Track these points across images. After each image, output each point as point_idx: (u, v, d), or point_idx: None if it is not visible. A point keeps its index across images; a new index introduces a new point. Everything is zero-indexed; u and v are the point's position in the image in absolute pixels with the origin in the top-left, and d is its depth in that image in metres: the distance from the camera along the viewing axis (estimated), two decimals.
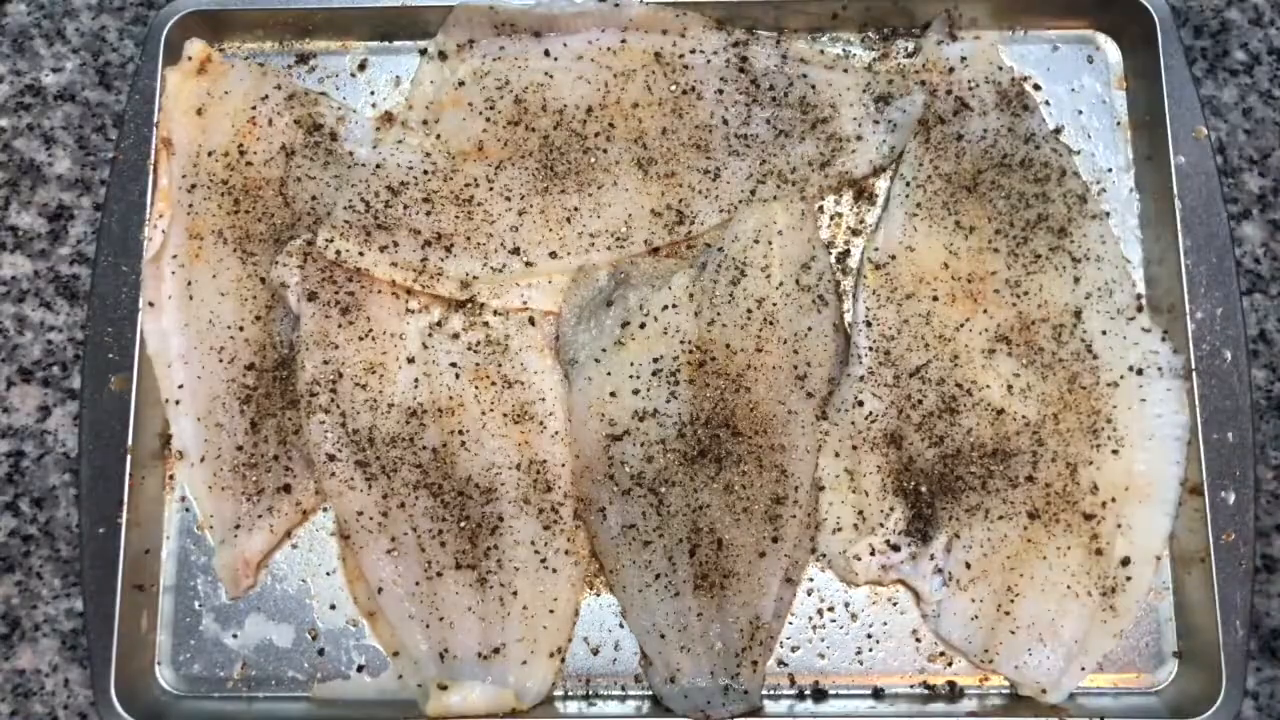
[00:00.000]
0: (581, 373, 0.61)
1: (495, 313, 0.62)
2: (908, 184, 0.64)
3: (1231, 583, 0.58)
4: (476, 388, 0.61)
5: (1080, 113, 0.66)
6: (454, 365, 0.62)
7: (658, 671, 0.58)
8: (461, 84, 0.65)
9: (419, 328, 0.62)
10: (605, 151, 0.64)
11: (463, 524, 0.60)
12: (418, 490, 0.60)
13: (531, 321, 0.62)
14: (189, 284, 0.63)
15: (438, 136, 0.65)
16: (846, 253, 0.64)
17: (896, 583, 0.60)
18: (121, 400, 0.61)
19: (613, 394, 0.60)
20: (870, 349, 0.61)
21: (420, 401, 0.61)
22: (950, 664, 0.59)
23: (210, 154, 0.64)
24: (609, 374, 0.61)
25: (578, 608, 0.60)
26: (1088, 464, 0.60)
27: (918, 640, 0.60)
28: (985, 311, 0.61)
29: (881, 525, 0.60)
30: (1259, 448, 0.61)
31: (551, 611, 0.59)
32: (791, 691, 0.59)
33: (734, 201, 0.63)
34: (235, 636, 0.61)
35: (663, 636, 0.58)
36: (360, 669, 0.60)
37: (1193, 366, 0.60)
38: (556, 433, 0.61)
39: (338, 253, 0.62)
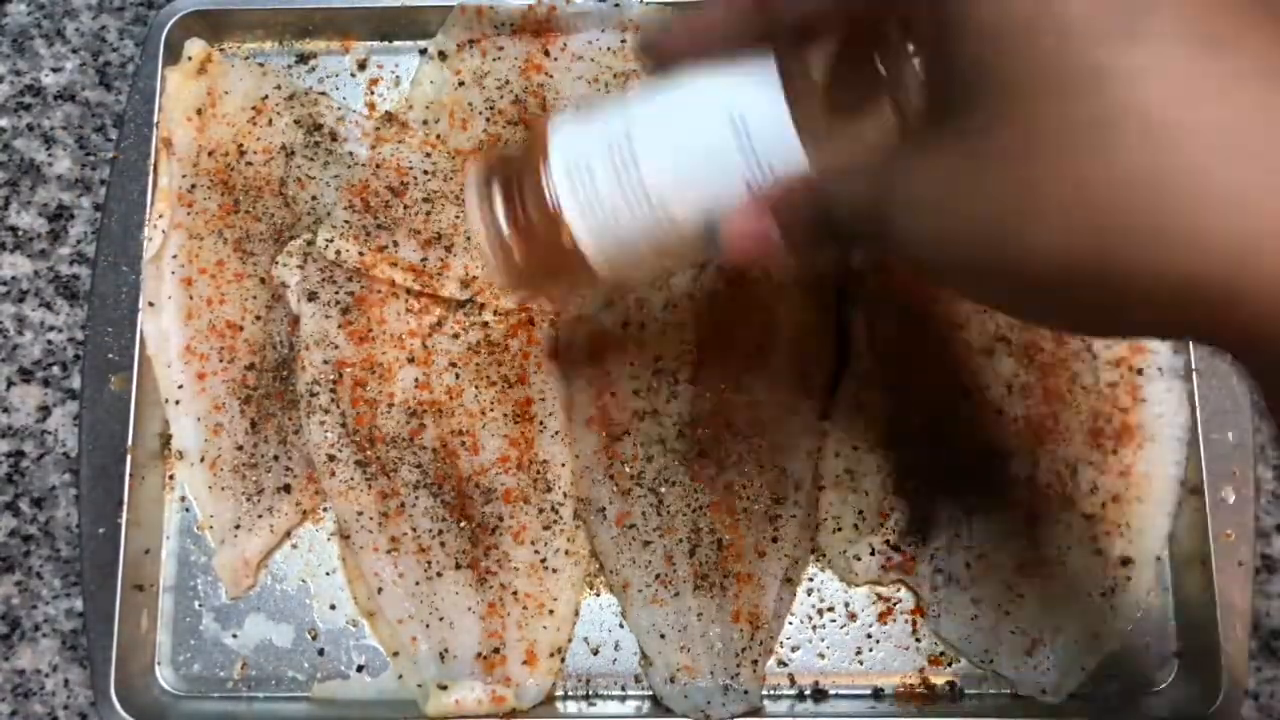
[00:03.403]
0: (581, 373, 0.61)
1: (495, 313, 0.62)
2: None
3: (1231, 583, 0.58)
4: (476, 388, 0.61)
5: None
6: (454, 365, 0.62)
7: (658, 671, 0.58)
8: (461, 84, 0.65)
9: (419, 328, 0.62)
10: None
11: (463, 524, 0.60)
12: (418, 490, 0.60)
13: (531, 321, 0.62)
14: (189, 284, 0.63)
15: (438, 136, 0.65)
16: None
17: (896, 583, 0.60)
18: (121, 400, 0.61)
19: (613, 394, 0.60)
20: (870, 349, 0.61)
21: (420, 401, 0.61)
22: (950, 664, 0.59)
23: (210, 154, 0.64)
24: (609, 374, 0.61)
25: (578, 608, 0.60)
26: (1087, 464, 0.60)
27: (918, 640, 0.60)
28: (985, 311, 0.61)
29: (881, 525, 0.60)
30: (1259, 448, 0.61)
31: (551, 611, 0.59)
32: (791, 691, 0.59)
33: None
34: (235, 636, 0.61)
35: (663, 636, 0.58)
36: (360, 669, 0.60)
37: (1193, 366, 0.60)
38: (556, 433, 0.61)
39: (338, 253, 0.62)
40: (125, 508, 0.60)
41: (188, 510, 0.62)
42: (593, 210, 0.41)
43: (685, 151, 0.39)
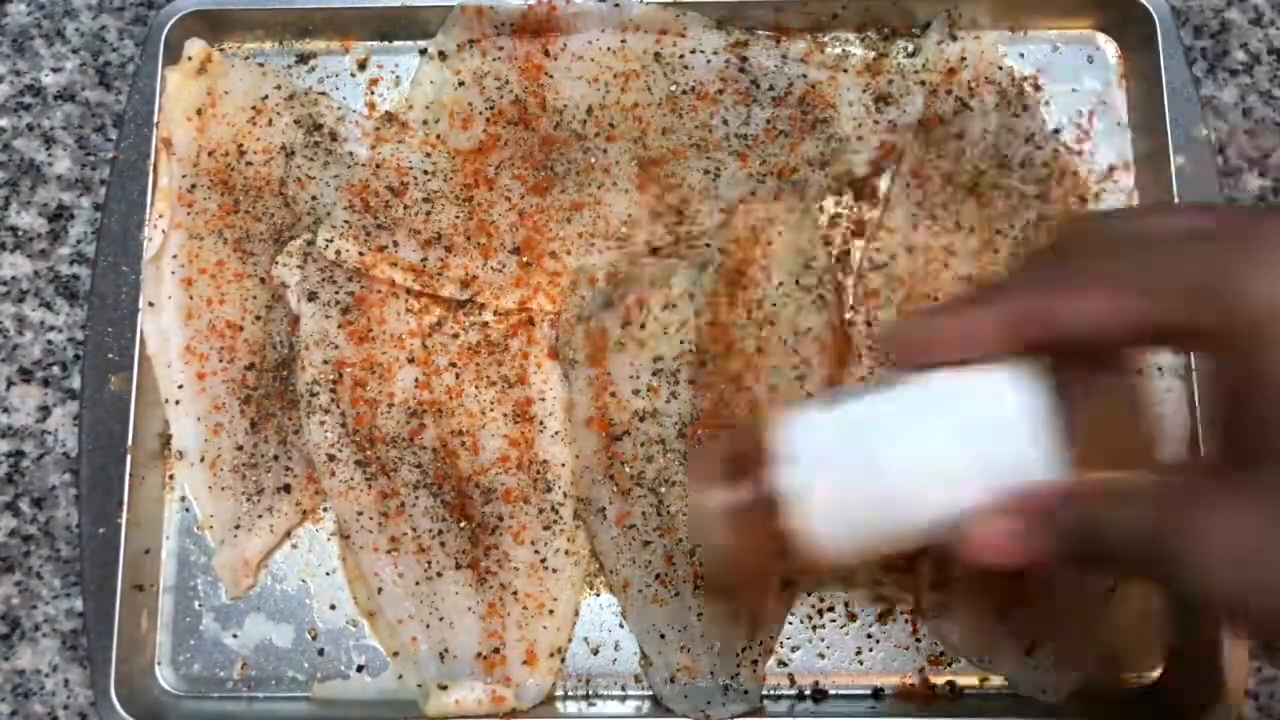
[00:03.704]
0: (581, 373, 0.61)
1: (495, 313, 0.62)
2: (908, 184, 0.64)
3: None
4: (476, 388, 0.61)
5: (1080, 113, 0.66)
6: (454, 365, 0.62)
7: (658, 671, 0.58)
8: (461, 84, 0.65)
9: (419, 328, 0.62)
10: (605, 151, 0.64)
11: (463, 524, 0.60)
12: (418, 490, 0.60)
13: (531, 321, 0.62)
14: (189, 284, 0.63)
15: (438, 136, 0.65)
16: (846, 253, 0.64)
17: (897, 583, 0.60)
18: (121, 400, 0.61)
19: (613, 394, 0.60)
20: (870, 349, 0.61)
21: (420, 401, 0.61)
22: (950, 664, 0.59)
23: (210, 154, 0.64)
24: (609, 374, 0.61)
25: (578, 608, 0.60)
26: None
27: (918, 640, 0.60)
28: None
29: None
30: None
31: (551, 611, 0.59)
32: (791, 691, 0.59)
33: (734, 201, 0.63)
34: (235, 636, 0.61)
35: (663, 636, 0.58)
36: (360, 669, 0.60)
37: (1193, 366, 0.60)
38: (556, 433, 0.61)
39: (338, 253, 0.62)
40: (125, 508, 0.60)
41: (188, 510, 0.62)
42: (820, 497, 0.40)
43: (932, 453, 0.39)
